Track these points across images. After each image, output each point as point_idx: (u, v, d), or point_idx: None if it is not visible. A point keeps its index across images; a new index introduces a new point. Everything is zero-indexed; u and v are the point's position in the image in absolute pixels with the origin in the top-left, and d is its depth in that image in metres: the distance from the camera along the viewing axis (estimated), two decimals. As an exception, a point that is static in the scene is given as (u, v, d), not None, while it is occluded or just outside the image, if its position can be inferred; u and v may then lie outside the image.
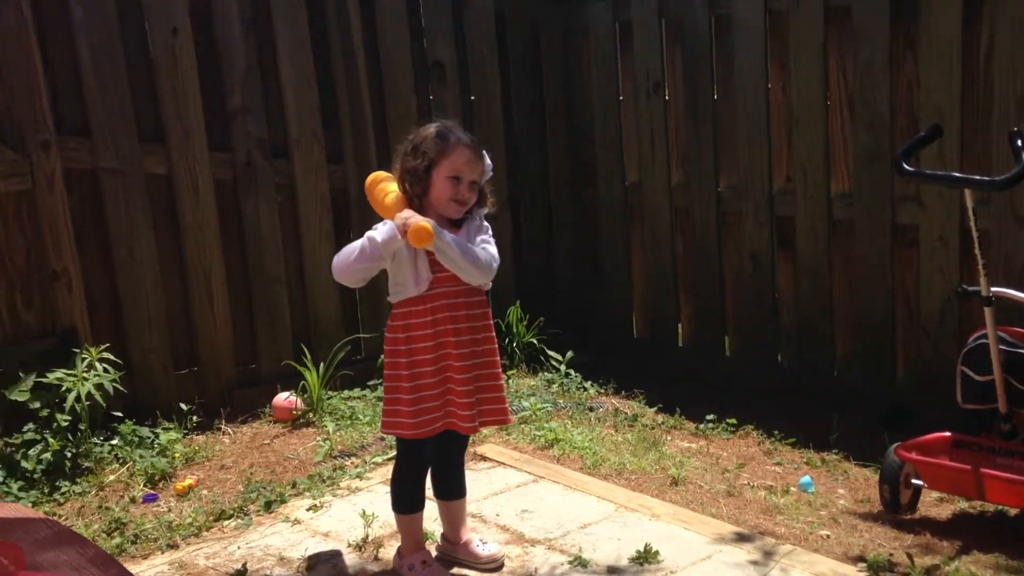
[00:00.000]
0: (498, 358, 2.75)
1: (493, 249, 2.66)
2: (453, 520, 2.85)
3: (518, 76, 5.03)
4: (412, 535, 2.76)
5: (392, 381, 2.66)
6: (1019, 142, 3.01)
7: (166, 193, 4.01)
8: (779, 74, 4.29)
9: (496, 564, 2.79)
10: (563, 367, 4.66)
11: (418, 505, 2.76)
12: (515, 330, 4.82)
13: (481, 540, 2.86)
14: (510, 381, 4.56)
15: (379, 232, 2.54)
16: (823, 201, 4.17)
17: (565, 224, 5.25)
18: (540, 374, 4.67)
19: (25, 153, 3.64)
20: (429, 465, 2.78)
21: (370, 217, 4.45)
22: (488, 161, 2.67)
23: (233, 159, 4.15)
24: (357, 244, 2.58)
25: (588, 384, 4.52)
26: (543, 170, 5.17)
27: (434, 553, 2.87)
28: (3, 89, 3.60)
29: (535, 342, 4.83)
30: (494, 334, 2.76)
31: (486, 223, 2.72)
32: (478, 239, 2.65)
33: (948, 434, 3.19)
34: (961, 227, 3.71)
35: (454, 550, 2.85)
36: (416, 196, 2.60)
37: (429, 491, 2.82)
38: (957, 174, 3.25)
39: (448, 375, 2.62)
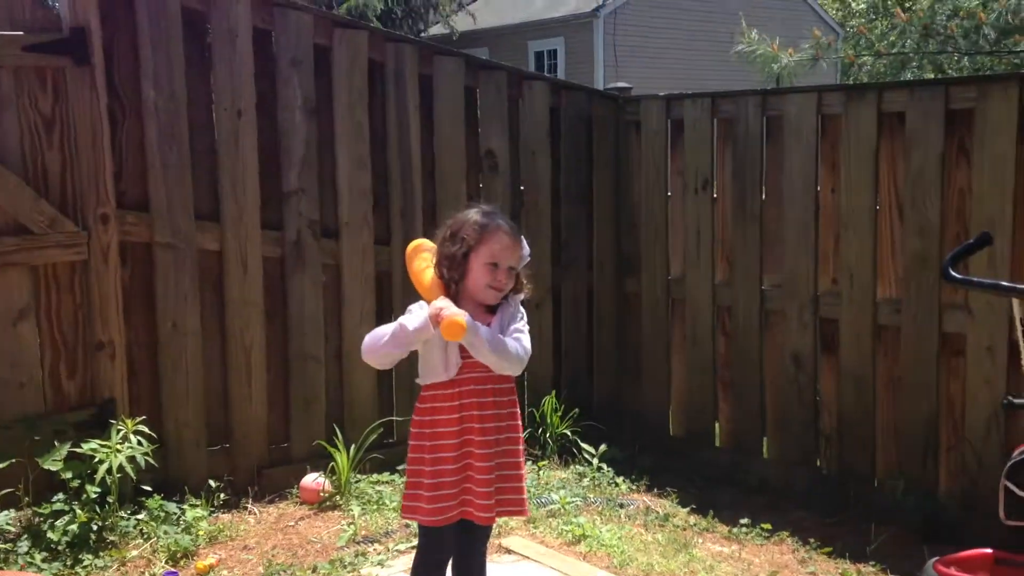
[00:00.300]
0: (521, 447, 2.72)
1: (526, 340, 2.65)
2: None
3: (568, 167, 5.10)
4: None
5: (415, 464, 2.65)
6: (1068, 255, 2.95)
7: (215, 269, 4.11)
8: (829, 176, 4.29)
9: None
10: (596, 461, 4.58)
11: None
12: (549, 420, 4.78)
13: None
14: (541, 472, 4.50)
15: (411, 320, 2.55)
16: (869, 305, 4.10)
17: (606, 316, 5.24)
18: (572, 467, 4.60)
19: (84, 225, 3.77)
20: (449, 555, 2.73)
21: (412, 298, 4.55)
22: (526, 247, 2.67)
23: (283, 238, 4.24)
24: (389, 328, 2.59)
25: (620, 480, 4.44)
26: (588, 261, 5.20)
27: None
28: (71, 166, 3.74)
29: (568, 433, 4.77)
30: (519, 423, 2.73)
31: (522, 310, 2.72)
32: (511, 328, 2.64)
33: (990, 550, 3.04)
34: (1009, 337, 3.62)
35: None
36: (453, 281, 2.60)
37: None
38: (1005, 283, 3.19)
39: (469, 462, 2.60)
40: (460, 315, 2.46)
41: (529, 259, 2.70)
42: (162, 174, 3.93)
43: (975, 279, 3.26)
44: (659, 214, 4.99)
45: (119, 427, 3.61)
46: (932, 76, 6.69)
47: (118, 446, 3.52)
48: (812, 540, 3.77)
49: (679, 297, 4.92)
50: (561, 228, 5.10)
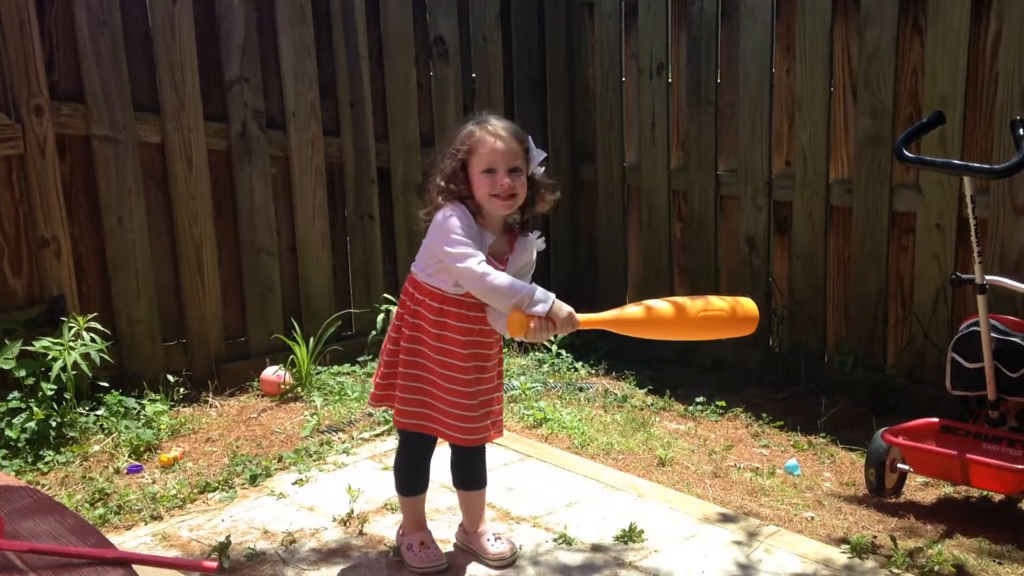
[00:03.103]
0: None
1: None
2: (468, 510, 2.76)
3: (521, 53, 4.99)
4: (413, 516, 2.73)
5: (411, 361, 2.53)
6: (1021, 131, 2.99)
7: (159, 162, 3.98)
8: (784, 58, 4.26)
9: (503, 562, 2.68)
10: (554, 347, 4.64)
11: (418, 488, 2.71)
12: (508, 309, 4.79)
13: (495, 535, 2.74)
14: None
15: (539, 305, 2.29)
16: (821, 186, 4.14)
17: (562, 203, 5.18)
18: (531, 353, 4.66)
19: (18, 117, 3.61)
20: (429, 450, 2.69)
21: (364, 191, 4.48)
22: (534, 148, 2.47)
23: (228, 130, 4.11)
24: (506, 282, 2.32)
25: (579, 364, 4.51)
26: (543, 147, 5.10)
27: (453, 539, 2.81)
28: (-1, 55, 3.56)
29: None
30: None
31: (533, 263, 2.54)
32: (526, 268, 2.51)
33: (936, 420, 3.18)
34: (958, 215, 3.69)
35: (468, 540, 2.76)
36: (464, 200, 2.42)
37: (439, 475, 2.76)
38: (957, 161, 3.23)
39: (480, 377, 2.51)
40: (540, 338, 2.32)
41: (542, 163, 2.49)
42: (95, 63, 3.75)
43: (927, 158, 3.30)
44: (614, 100, 4.92)
45: (71, 324, 3.55)
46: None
47: (71, 343, 3.46)
48: (765, 415, 3.89)
49: (635, 184, 4.92)
50: (514, 116, 5.01)
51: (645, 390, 4.23)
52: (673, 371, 4.55)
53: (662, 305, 2.43)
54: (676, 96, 4.67)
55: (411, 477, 2.71)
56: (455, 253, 2.34)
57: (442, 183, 2.46)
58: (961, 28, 3.63)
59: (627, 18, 4.80)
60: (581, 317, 2.35)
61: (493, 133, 2.41)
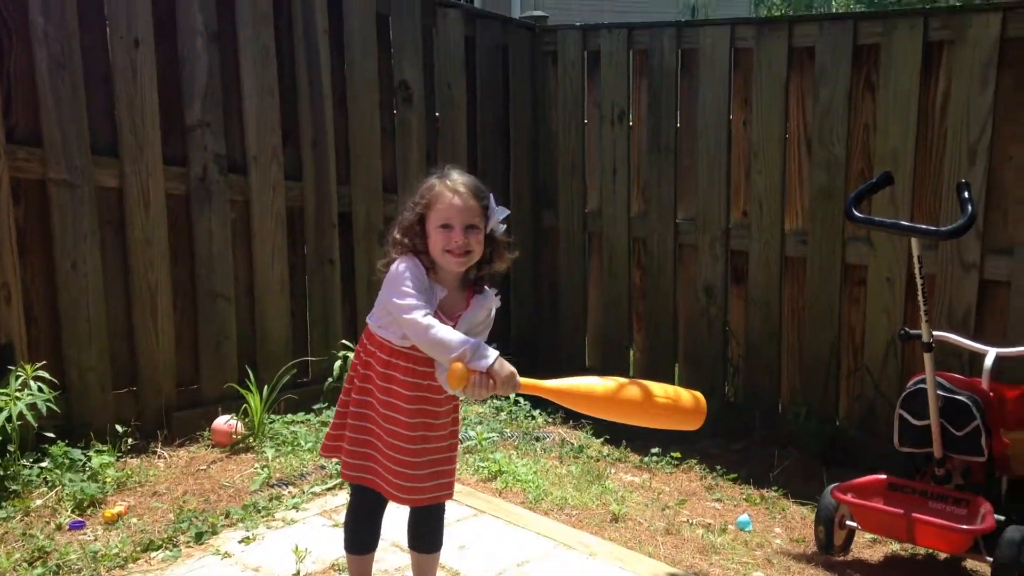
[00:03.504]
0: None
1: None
2: (417, 572, 2.69)
3: (485, 99, 5.02)
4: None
5: (342, 407, 2.54)
6: (966, 193, 3.05)
7: (117, 207, 3.95)
8: (741, 110, 4.32)
9: None
10: (512, 395, 4.62)
11: (366, 547, 2.65)
12: (468, 354, 4.78)
13: None
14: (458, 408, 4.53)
15: (483, 359, 2.27)
16: (777, 237, 4.19)
17: (524, 249, 5.23)
18: (489, 401, 4.64)
19: (-29, 161, 3.57)
20: (379, 507, 2.62)
21: (324, 236, 4.47)
22: (496, 206, 2.44)
23: (188, 174, 4.09)
24: (445, 337, 2.29)
25: (536, 413, 4.50)
26: (505, 194, 5.16)
27: None
28: (-48, 95, 3.52)
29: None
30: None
31: (492, 315, 2.51)
32: (481, 327, 2.47)
33: (883, 477, 3.21)
34: (908, 270, 3.75)
35: None
36: (416, 252, 2.41)
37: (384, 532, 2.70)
38: (905, 222, 3.29)
39: (425, 433, 2.46)
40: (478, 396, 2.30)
41: (503, 224, 2.46)
42: (54, 106, 3.72)
43: (876, 219, 3.36)
44: (576, 146, 4.97)
45: (18, 373, 3.48)
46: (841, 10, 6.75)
47: (17, 393, 3.40)
48: (719, 467, 3.90)
49: (596, 230, 4.95)
50: (478, 160, 5.04)
51: (602, 440, 4.23)
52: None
53: (607, 384, 2.41)
54: (637, 145, 4.72)
55: (359, 534, 2.65)
56: (402, 304, 2.34)
57: (398, 235, 2.46)
58: (912, 86, 3.72)
59: (590, 67, 4.86)
60: (523, 380, 2.34)
61: (452, 188, 2.40)
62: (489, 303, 2.51)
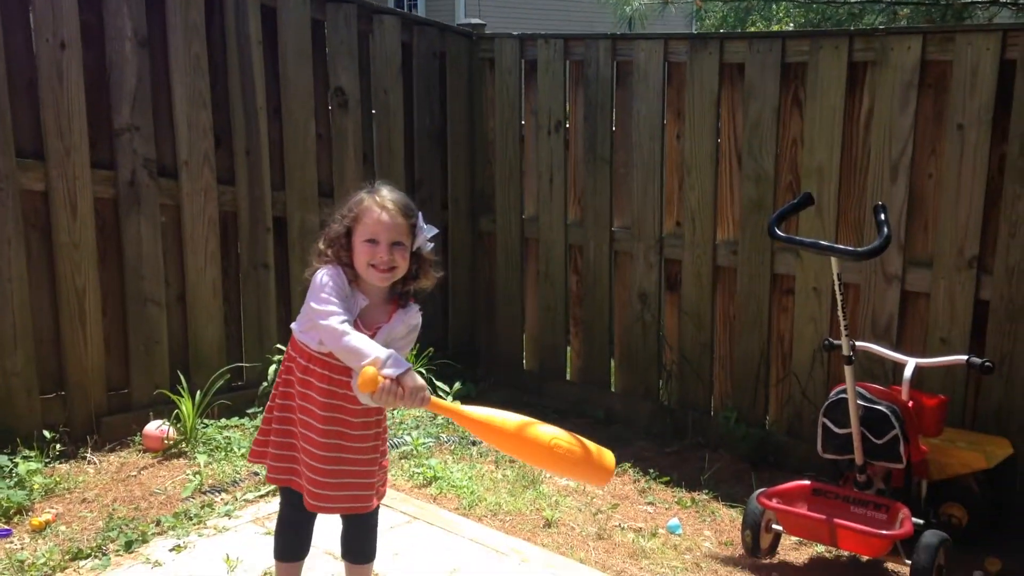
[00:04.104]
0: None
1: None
2: None
3: (422, 105, 5.02)
4: None
5: (267, 412, 2.56)
6: (882, 215, 3.16)
7: (43, 210, 3.86)
8: (675, 122, 4.41)
9: None
10: (450, 398, 4.65)
11: (294, 554, 2.65)
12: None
13: None
14: (395, 412, 4.54)
15: (394, 368, 2.27)
16: (709, 247, 4.29)
17: (461, 254, 5.26)
18: (427, 406, 4.65)
19: None
20: (302, 516, 2.61)
21: (259, 240, 4.43)
22: (424, 225, 2.48)
23: (116, 178, 4.02)
24: (356, 344, 2.30)
25: (474, 418, 4.52)
26: (442, 200, 5.17)
27: None
28: None
29: (423, 372, 4.80)
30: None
31: (414, 329, 2.53)
32: (401, 342, 2.48)
33: (808, 483, 3.31)
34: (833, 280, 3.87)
35: None
36: (344, 265, 2.44)
37: (317, 539, 2.70)
38: (824, 243, 3.40)
39: (340, 443, 2.47)
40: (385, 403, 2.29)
41: (431, 243, 2.49)
42: (-25, 108, 3.63)
43: (796, 238, 3.46)
44: (513, 154, 5.01)
45: (-62, 381, 3.39)
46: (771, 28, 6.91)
47: (-63, 402, 3.31)
48: (652, 470, 3.98)
49: (533, 236, 5.00)
50: (415, 166, 5.04)
51: (537, 445, 4.26)
52: (567, 423, 4.54)
53: (518, 422, 2.41)
54: (573, 153, 4.78)
55: (287, 541, 2.66)
56: (320, 310, 2.36)
57: (323, 246, 2.49)
58: (837, 104, 3.84)
59: (527, 75, 4.90)
60: (434, 399, 2.35)
61: (380, 204, 2.43)
62: (411, 319, 2.53)
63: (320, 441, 2.44)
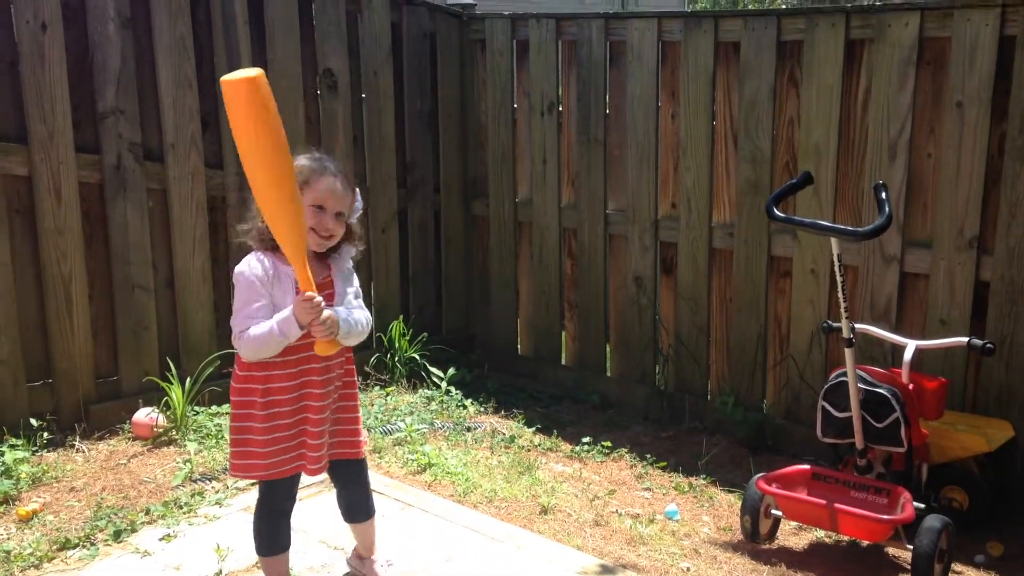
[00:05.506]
0: (356, 390, 2.69)
1: (365, 311, 2.59)
2: (361, 538, 2.86)
3: (413, 87, 4.95)
4: None
5: (242, 421, 2.51)
6: (883, 194, 3.11)
7: (27, 195, 3.78)
8: (669, 102, 4.34)
9: None
10: (444, 384, 4.60)
11: (276, 547, 2.65)
12: (397, 345, 4.74)
13: (387, 562, 2.87)
14: (389, 398, 4.48)
15: (290, 330, 2.37)
16: (705, 229, 4.23)
17: (454, 238, 5.20)
18: (420, 391, 4.60)
19: None
20: (292, 503, 2.66)
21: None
22: (359, 199, 2.58)
23: (101, 162, 3.94)
24: (266, 331, 2.39)
25: (468, 402, 4.48)
26: (435, 183, 5.11)
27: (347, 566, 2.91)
28: None
29: (417, 357, 4.76)
30: (354, 366, 2.69)
31: (352, 269, 2.64)
32: (350, 294, 2.58)
33: (807, 467, 3.27)
34: (832, 261, 3.81)
35: (360, 566, 2.87)
36: (270, 251, 2.47)
37: (310, 528, 2.69)
38: (824, 222, 3.33)
39: (306, 416, 2.53)
40: (332, 332, 2.38)
41: (360, 213, 2.61)
42: (-44, 91, 3.54)
43: (796, 218, 3.40)
44: (506, 136, 4.94)
45: (-79, 370, 3.32)
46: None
47: (-80, 391, 3.24)
48: (649, 455, 3.93)
49: (526, 220, 4.94)
50: (406, 150, 4.97)
51: (533, 429, 4.23)
52: (562, 408, 4.57)
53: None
54: (567, 135, 4.72)
55: (283, 531, 2.65)
56: (233, 330, 2.44)
57: (262, 223, 2.43)
58: (834, 82, 3.78)
59: (519, 56, 4.83)
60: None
61: (334, 176, 2.49)
62: (346, 252, 2.60)
63: (289, 410, 2.51)
